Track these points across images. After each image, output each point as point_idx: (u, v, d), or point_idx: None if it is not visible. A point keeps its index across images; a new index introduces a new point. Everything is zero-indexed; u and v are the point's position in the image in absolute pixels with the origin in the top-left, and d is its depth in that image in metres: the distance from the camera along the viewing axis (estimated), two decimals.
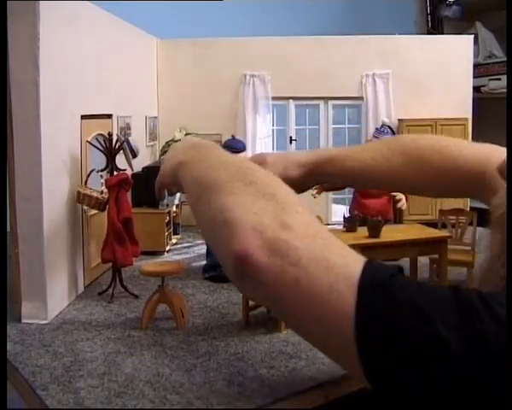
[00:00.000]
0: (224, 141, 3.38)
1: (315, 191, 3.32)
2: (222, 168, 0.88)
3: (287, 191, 0.83)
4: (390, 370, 0.64)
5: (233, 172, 0.86)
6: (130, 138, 2.89)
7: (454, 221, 3.15)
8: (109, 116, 3.21)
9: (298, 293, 0.70)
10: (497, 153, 1.25)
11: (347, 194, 4.50)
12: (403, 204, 3.42)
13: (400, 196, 3.34)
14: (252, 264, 0.72)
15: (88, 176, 2.73)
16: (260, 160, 1.44)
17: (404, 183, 1.42)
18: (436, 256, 2.74)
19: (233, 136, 3.33)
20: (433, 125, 4.48)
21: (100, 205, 2.65)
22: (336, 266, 0.69)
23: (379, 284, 0.66)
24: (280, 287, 0.71)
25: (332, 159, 1.42)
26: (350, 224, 2.80)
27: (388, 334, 0.63)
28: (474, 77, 4.78)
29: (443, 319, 0.62)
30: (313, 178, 1.46)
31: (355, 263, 0.70)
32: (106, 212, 2.65)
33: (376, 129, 3.85)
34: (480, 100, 5.14)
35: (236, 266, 0.74)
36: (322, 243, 0.72)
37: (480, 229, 2.99)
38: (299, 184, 1.44)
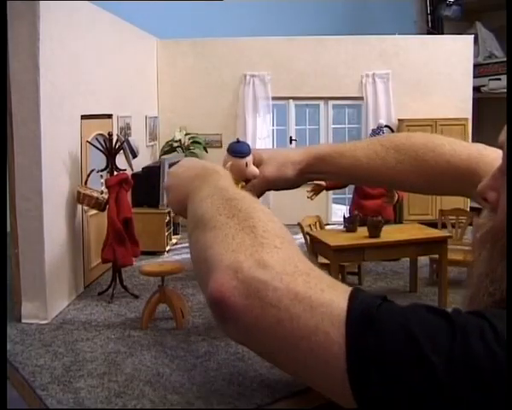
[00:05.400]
0: (228, 144, 3.31)
1: (311, 194, 3.30)
2: (209, 201, 0.87)
3: (268, 220, 0.80)
4: (383, 398, 0.63)
5: (218, 205, 0.84)
6: (130, 138, 2.89)
7: (454, 221, 3.15)
8: (109, 116, 3.20)
9: (282, 335, 0.68)
10: (486, 152, 1.26)
11: (347, 194, 4.50)
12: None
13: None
14: (228, 305, 0.69)
15: (88, 176, 2.73)
16: (256, 158, 1.47)
17: (397, 179, 1.42)
18: (436, 256, 2.73)
19: (238, 139, 3.24)
20: (433, 125, 4.48)
21: (100, 205, 2.65)
22: (320, 304, 0.67)
23: (368, 317, 0.64)
24: (261, 329, 0.69)
25: (324, 157, 1.44)
26: (350, 224, 2.79)
27: (381, 366, 0.62)
28: (474, 77, 4.78)
29: (432, 344, 0.61)
30: (307, 175, 1.48)
31: (339, 299, 0.67)
32: (106, 212, 2.65)
33: (373, 130, 3.81)
34: (480, 100, 5.14)
35: (213, 308, 0.72)
36: (302, 280, 0.69)
37: None
38: (294, 181, 1.46)
